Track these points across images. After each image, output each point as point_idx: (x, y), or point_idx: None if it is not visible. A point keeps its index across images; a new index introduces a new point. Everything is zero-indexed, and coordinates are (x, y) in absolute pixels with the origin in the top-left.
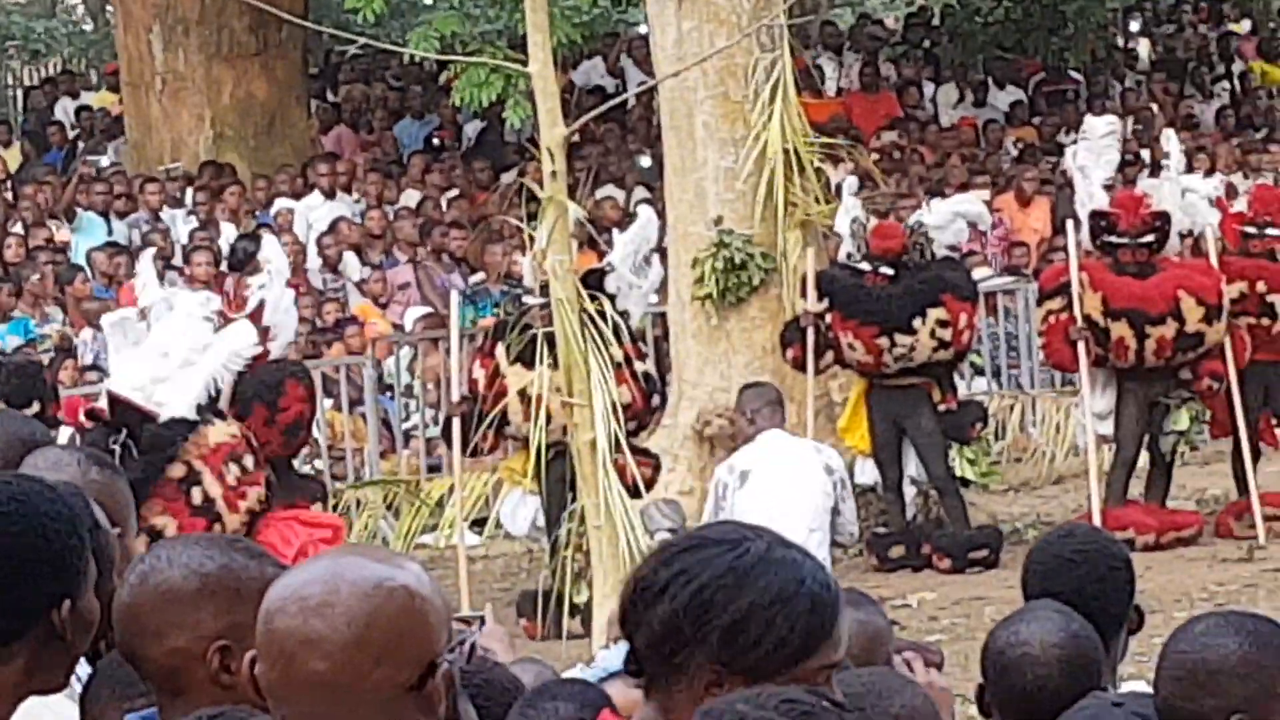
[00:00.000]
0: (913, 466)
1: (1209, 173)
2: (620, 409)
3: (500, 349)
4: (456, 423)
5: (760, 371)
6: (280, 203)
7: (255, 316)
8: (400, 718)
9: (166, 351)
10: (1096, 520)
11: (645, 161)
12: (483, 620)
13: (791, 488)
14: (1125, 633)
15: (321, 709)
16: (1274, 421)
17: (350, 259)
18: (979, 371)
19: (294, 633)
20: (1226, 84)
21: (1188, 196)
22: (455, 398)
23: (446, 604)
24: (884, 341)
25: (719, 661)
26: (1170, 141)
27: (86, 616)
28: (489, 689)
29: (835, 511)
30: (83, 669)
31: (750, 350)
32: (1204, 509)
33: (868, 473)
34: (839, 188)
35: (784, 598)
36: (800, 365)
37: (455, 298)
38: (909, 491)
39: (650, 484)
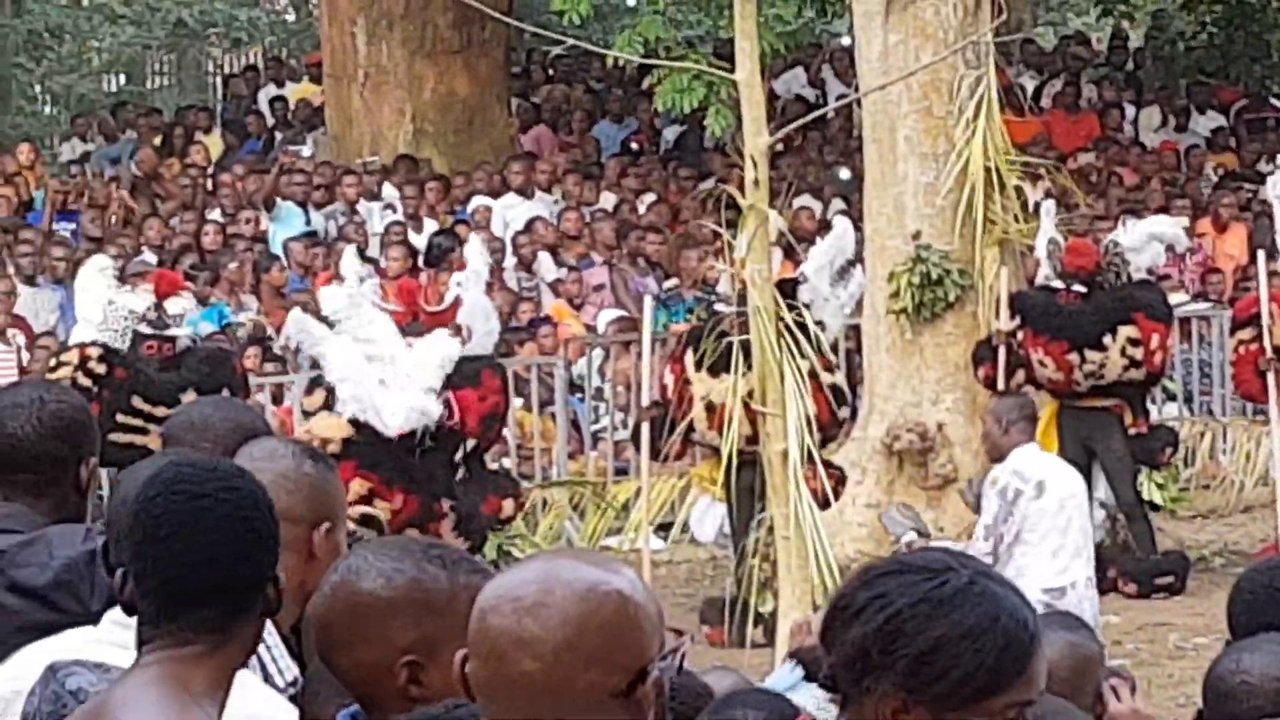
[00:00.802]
0: (1102, 489)
1: None
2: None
3: (689, 356)
4: (645, 428)
5: (953, 388)
6: (478, 200)
7: (450, 313)
8: None
9: (383, 379)
10: None
11: (845, 174)
12: (692, 636)
13: (1078, 499)
14: None
15: (531, 709)
16: None
17: (545, 259)
18: (1171, 397)
19: (507, 632)
20: None
21: None
22: (645, 402)
23: (660, 611)
24: (1074, 358)
25: (905, 689)
26: None
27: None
28: (680, 694)
29: None
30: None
31: (943, 366)
32: None
33: None
34: (1038, 207)
35: (977, 632)
36: (991, 384)
37: (648, 301)
38: (1097, 514)
39: (836, 496)
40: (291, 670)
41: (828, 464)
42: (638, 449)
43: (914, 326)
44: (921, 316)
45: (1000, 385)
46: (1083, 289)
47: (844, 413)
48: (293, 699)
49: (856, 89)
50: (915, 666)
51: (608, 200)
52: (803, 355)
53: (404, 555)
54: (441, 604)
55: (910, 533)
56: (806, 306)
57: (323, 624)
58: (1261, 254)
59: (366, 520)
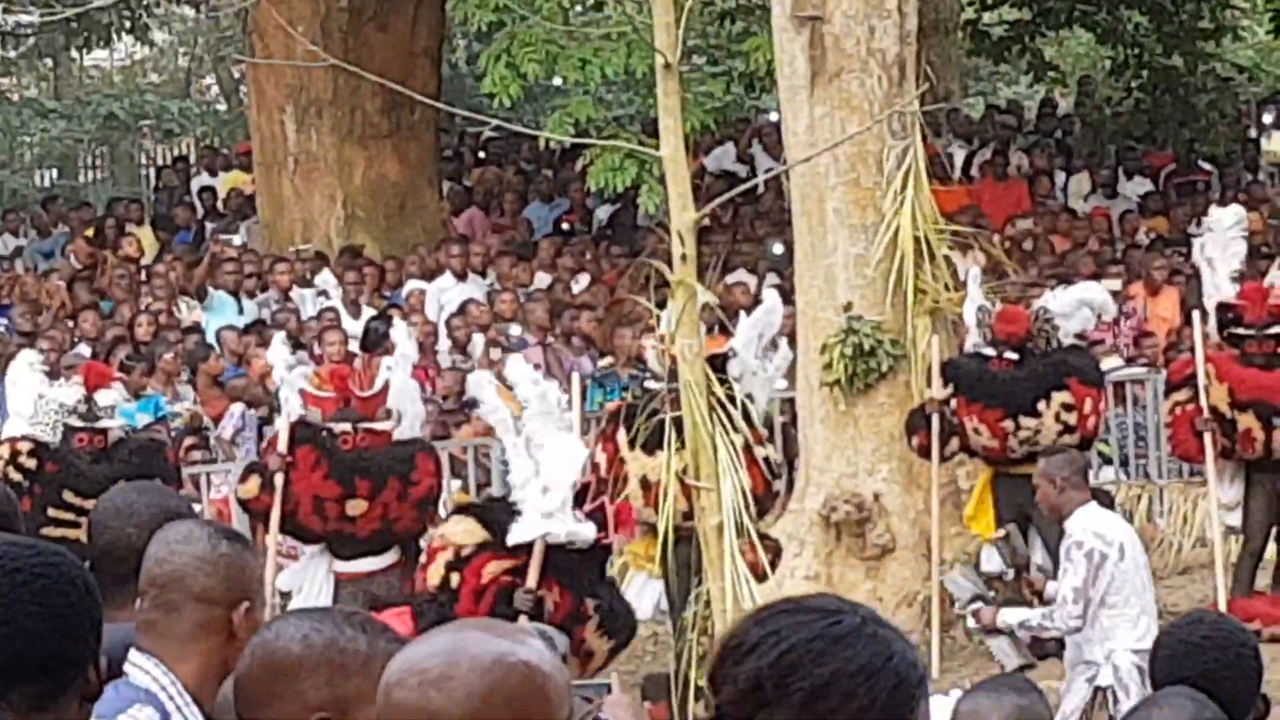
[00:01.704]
0: (1039, 554)
1: None
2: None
3: (621, 434)
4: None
5: (889, 458)
6: (411, 284)
7: (381, 398)
8: None
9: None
10: (1223, 611)
11: (777, 248)
12: (609, 688)
13: (1145, 559)
14: (1253, 718)
15: None
16: None
17: (479, 340)
18: (1107, 461)
19: (412, 706)
20: None
21: None
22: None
23: (567, 680)
24: (1009, 425)
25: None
26: None
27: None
28: None
29: None
30: None
31: (878, 436)
32: None
33: (994, 561)
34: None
35: (870, 670)
36: (925, 452)
37: (576, 379)
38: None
39: (773, 569)
40: None
41: (764, 536)
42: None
43: (848, 398)
44: (855, 387)
45: (935, 453)
46: (1014, 356)
47: (778, 485)
48: None
49: (785, 163)
50: (809, 701)
51: (541, 280)
52: (735, 429)
53: (324, 618)
54: (356, 666)
55: (975, 599)
56: (736, 380)
57: (240, 683)
58: (1196, 315)
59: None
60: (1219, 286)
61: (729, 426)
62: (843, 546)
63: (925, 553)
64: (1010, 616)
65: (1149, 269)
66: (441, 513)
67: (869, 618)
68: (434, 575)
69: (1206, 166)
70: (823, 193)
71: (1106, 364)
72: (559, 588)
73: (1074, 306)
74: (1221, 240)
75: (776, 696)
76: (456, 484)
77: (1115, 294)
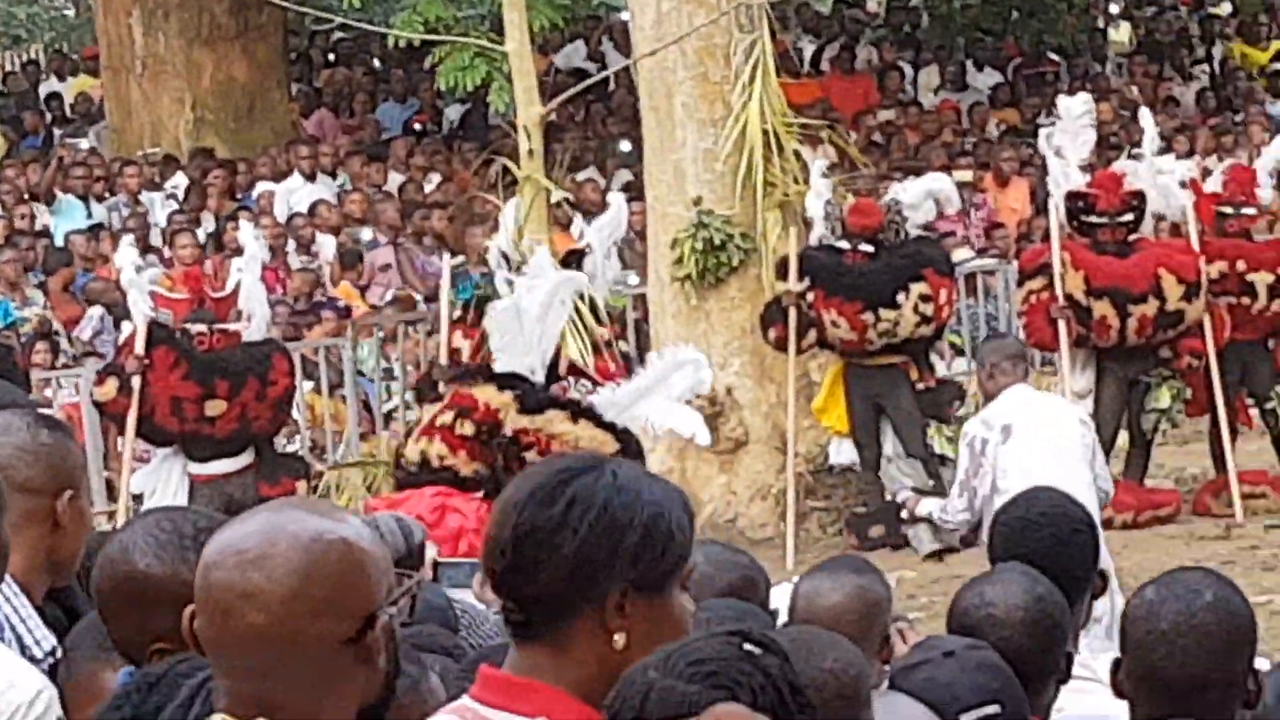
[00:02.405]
0: (890, 444)
1: (1188, 155)
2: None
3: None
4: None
5: (740, 352)
6: (261, 185)
7: (233, 298)
8: (340, 670)
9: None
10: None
11: (625, 145)
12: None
13: (1055, 441)
14: (1089, 597)
15: (260, 662)
16: (1249, 401)
17: (328, 241)
18: (959, 352)
19: (231, 586)
20: (1206, 66)
21: (1160, 178)
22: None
23: (387, 557)
24: (869, 317)
25: (628, 580)
26: (1145, 122)
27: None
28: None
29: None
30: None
31: (729, 331)
32: (1182, 488)
33: (844, 453)
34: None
35: (668, 503)
36: (782, 345)
37: (446, 272)
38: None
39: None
40: (49, 640)
41: (622, 431)
42: None
43: (698, 292)
44: (705, 282)
45: (791, 347)
46: (869, 248)
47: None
48: (53, 668)
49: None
50: (639, 552)
51: (393, 180)
52: (585, 326)
53: (170, 539)
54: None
55: (906, 491)
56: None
57: (96, 590)
58: (1052, 203)
59: None
60: (1068, 176)
61: (580, 322)
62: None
63: (779, 446)
64: (923, 507)
65: (999, 160)
66: (295, 414)
67: (617, 461)
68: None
69: (1055, 58)
70: (671, 87)
71: (958, 255)
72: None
73: (922, 197)
74: (1070, 130)
75: (608, 559)
76: (309, 385)
77: (966, 185)
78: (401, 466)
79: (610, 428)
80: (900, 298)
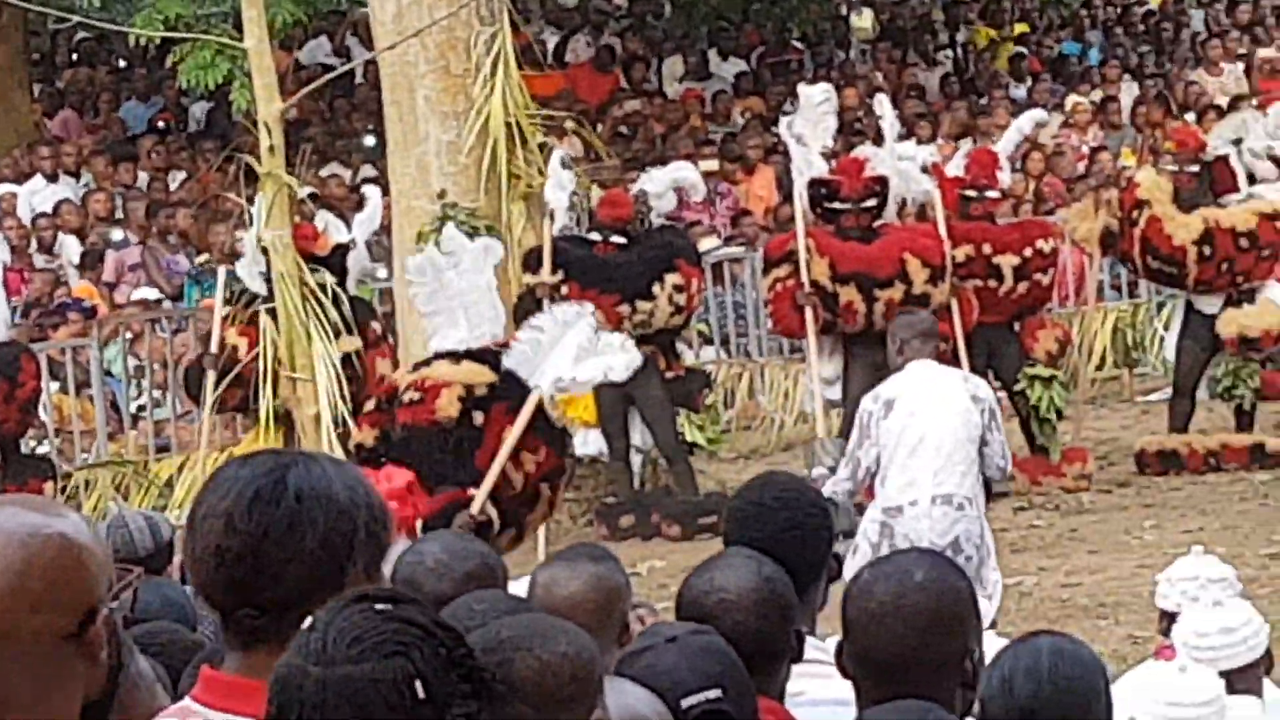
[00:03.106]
0: (638, 435)
1: (931, 139)
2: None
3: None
4: (211, 376)
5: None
6: (3, 187)
7: None
8: (61, 665)
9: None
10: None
11: (369, 140)
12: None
13: (935, 416)
14: (825, 581)
15: None
16: (996, 385)
17: (70, 241)
18: (708, 340)
19: None
20: (950, 51)
21: (901, 164)
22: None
23: (106, 552)
24: (625, 309)
25: (361, 565)
26: (883, 108)
27: None
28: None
29: (983, 442)
30: None
31: None
32: None
33: (591, 443)
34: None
35: (369, 485)
36: None
37: (222, 273)
38: (636, 460)
39: None
40: None
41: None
42: (196, 402)
43: None
44: None
45: None
46: (621, 240)
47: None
48: None
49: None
50: (368, 536)
51: (142, 180)
52: (330, 318)
53: None
54: None
55: (823, 469)
56: (362, 280)
57: None
58: (797, 190)
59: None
60: (811, 163)
61: (323, 317)
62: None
63: None
64: (828, 486)
65: (744, 149)
66: (42, 415)
67: (297, 454)
68: (448, 408)
69: (799, 45)
70: (413, 81)
71: (705, 244)
72: (544, 448)
73: (666, 187)
74: (811, 117)
75: (347, 551)
76: (55, 385)
77: (712, 174)
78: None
79: (482, 358)
80: (655, 289)
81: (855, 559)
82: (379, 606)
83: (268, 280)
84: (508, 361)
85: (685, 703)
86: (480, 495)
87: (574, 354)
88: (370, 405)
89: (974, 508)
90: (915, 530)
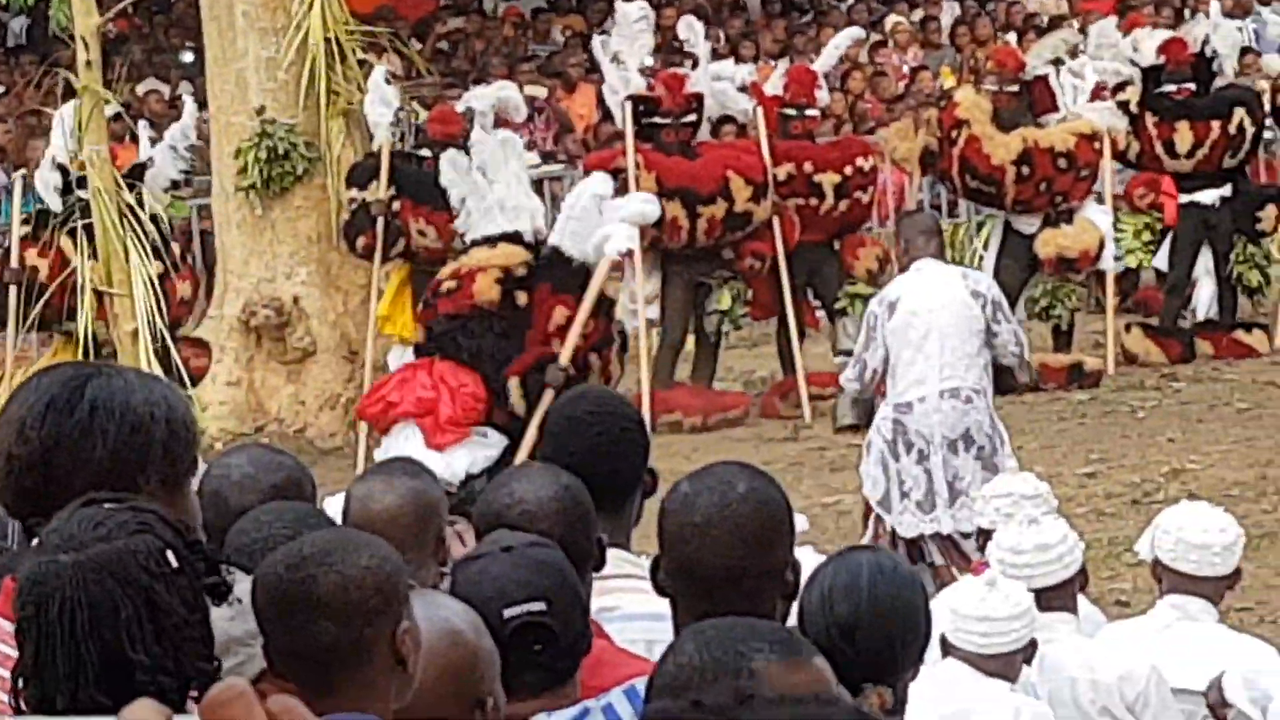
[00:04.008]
0: None
1: (755, 58)
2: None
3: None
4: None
5: (307, 261)
6: None
7: None
8: None
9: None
10: (645, 403)
11: (187, 56)
12: None
13: (936, 312)
14: (640, 495)
15: None
16: (816, 304)
17: None
18: None
19: None
20: None
21: (718, 84)
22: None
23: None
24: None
25: (158, 478)
26: (692, 30)
27: None
28: None
29: (992, 334)
30: None
31: (295, 240)
32: (751, 390)
33: (407, 359)
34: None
35: (176, 399)
36: (369, 254)
37: (18, 188)
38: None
39: (202, 373)
40: None
41: (197, 341)
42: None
43: (264, 202)
44: (271, 191)
45: (378, 256)
46: None
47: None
48: None
49: None
50: (165, 449)
51: None
52: (147, 236)
53: None
54: None
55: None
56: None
57: None
58: (627, 106)
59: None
60: (629, 80)
61: (140, 233)
62: (264, 350)
63: (346, 355)
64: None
65: (565, 66)
66: None
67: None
68: (489, 290)
69: None
70: None
71: (527, 160)
72: (592, 318)
73: (491, 105)
74: (628, 35)
75: (142, 457)
76: None
77: (537, 98)
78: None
79: (517, 239)
80: None
81: (870, 456)
82: (108, 506)
83: (64, 196)
84: (556, 239)
85: (507, 613)
86: (567, 349)
87: (610, 212)
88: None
89: (982, 399)
90: (926, 425)
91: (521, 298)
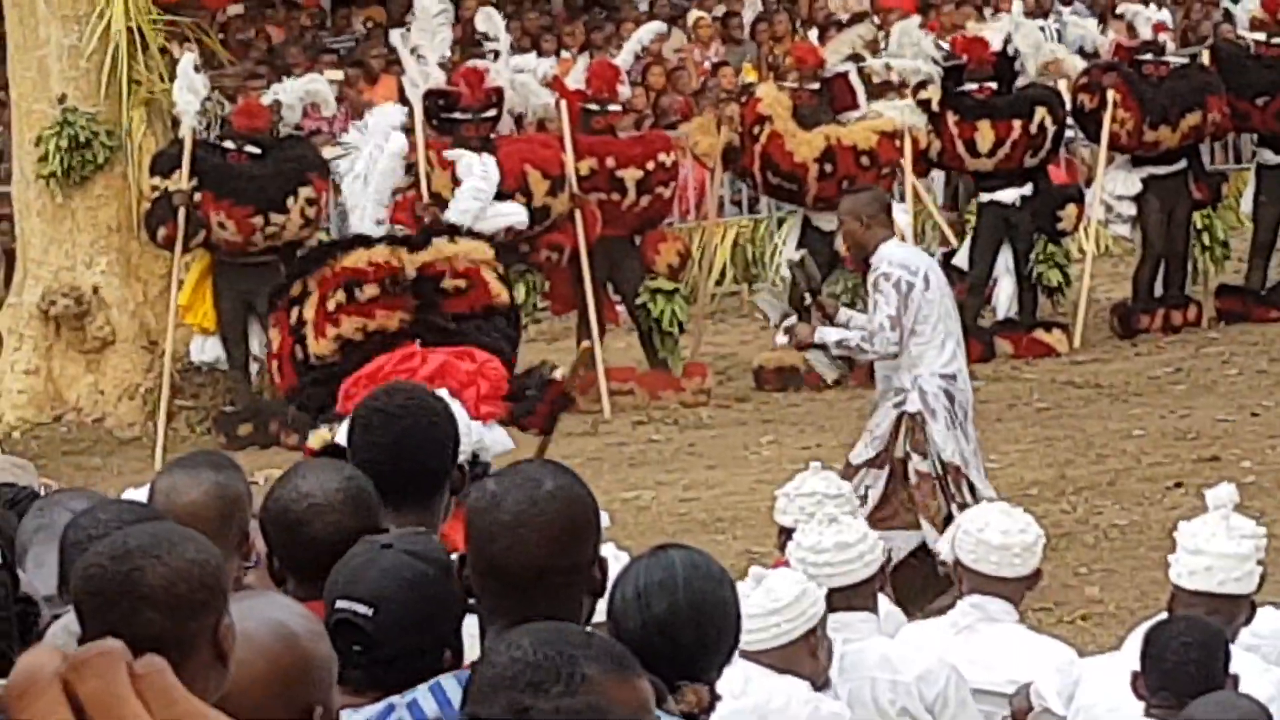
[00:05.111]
0: (257, 343)
1: (556, 52)
2: None
3: None
4: None
5: (107, 250)
6: None
7: None
8: None
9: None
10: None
11: None
12: None
13: (947, 291)
14: (448, 490)
15: None
16: (616, 298)
17: None
18: None
19: None
20: None
21: (519, 77)
22: None
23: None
24: (259, 220)
25: None
26: (491, 22)
27: None
28: None
29: None
30: None
31: (96, 229)
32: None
33: (208, 350)
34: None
35: None
36: (170, 244)
37: None
38: (254, 368)
39: None
40: None
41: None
42: None
43: (64, 190)
44: (71, 180)
45: (178, 247)
46: (255, 150)
47: None
48: None
49: None
50: None
51: None
52: None
53: None
54: None
55: (785, 317)
56: None
57: None
58: (412, 102)
59: None
60: (428, 75)
61: None
62: (63, 340)
63: (146, 345)
64: (828, 335)
65: (368, 57)
66: None
67: None
68: (502, 292)
69: None
70: None
71: (328, 153)
72: None
73: (298, 98)
74: (428, 28)
75: None
76: None
77: (334, 83)
78: (314, 375)
79: (477, 235)
80: (289, 202)
81: (937, 424)
82: None
83: None
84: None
85: (338, 604)
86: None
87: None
88: (372, 291)
89: None
90: (964, 396)
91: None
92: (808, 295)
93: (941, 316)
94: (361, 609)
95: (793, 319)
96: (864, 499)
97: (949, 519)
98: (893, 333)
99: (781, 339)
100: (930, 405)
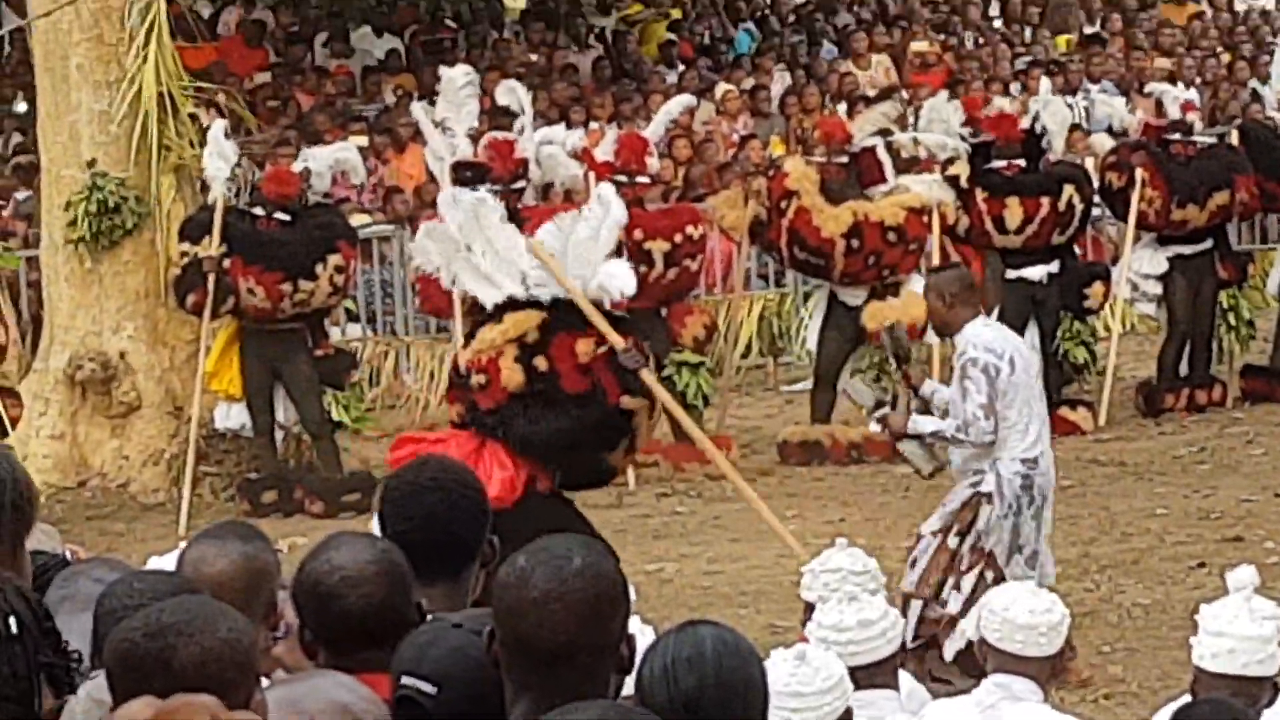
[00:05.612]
0: (283, 411)
1: (585, 123)
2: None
3: None
4: None
5: (134, 316)
6: None
7: None
8: None
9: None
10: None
11: (20, 106)
12: None
13: (1032, 369)
14: (479, 564)
15: None
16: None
17: None
18: (354, 318)
19: None
20: (601, 34)
21: (546, 149)
22: None
23: None
24: (287, 287)
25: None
26: (513, 95)
27: None
28: None
29: None
30: None
31: (123, 295)
32: None
33: (234, 417)
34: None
35: (14, 459)
36: (199, 310)
37: None
38: (279, 436)
39: (14, 425)
40: None
41: (8, 391)
42: None
43: (93, 255)
44: (100, 245)
45: (207, 313)
46: (286, 217)
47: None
48: None
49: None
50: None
51: None
52: None
53: None
54: None
55: (879, 405)
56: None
57: None
58: (441, 171)
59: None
60: (455, 147)
61: None
62: (88, 405)
63: (171, 410)
64: (923, 425)
65: (395, 126)
66: None
67: None
68: (513, 376)
69: (451, 24)
70: (66, 49)
71: (355, 221)
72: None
73: (328, 166)
74: (454, 100)
75: None
76: None
77: (362, 150)
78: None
79: (532, 304)
80: (318, 269)
81: (996, 509)
82: None
83: None
84: (542, 292)
85: (403, 680)
86: (611, 337)
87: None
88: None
89: None
90: (1045, 480)
91: (542, 363)
92: (894, 363)
93: (1027, 399)
94: (426, 687)
95: (886, 409)
96: (913, 564)
97: (937, 594)
98: (987, 422)
99: (875, 428)
100: (1001, 491)
